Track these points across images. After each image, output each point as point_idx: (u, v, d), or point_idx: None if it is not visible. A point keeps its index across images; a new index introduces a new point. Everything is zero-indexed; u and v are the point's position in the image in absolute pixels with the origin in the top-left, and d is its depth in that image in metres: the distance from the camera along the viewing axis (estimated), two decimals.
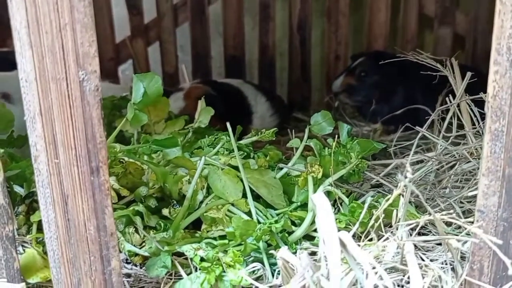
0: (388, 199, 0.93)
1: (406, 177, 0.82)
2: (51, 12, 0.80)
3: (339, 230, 0.86)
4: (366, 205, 1.03)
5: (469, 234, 1.02)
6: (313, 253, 1.17)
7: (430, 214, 1.05)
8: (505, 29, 0.80)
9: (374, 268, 0.86)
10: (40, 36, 0.81)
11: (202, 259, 1.07)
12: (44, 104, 0.84)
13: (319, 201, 0.86)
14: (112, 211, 0.91)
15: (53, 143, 0.86)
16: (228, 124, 1.33)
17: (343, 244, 0.85)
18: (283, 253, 0.90)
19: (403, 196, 0.95)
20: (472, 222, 0.90)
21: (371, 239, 1.02)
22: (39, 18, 0.80)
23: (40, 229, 1.18)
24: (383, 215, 0.98)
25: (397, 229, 1.00)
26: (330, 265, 0.82)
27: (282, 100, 2.68)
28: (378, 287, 0.86)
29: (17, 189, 1.29)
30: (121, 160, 1.32)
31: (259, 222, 1.16)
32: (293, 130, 1.79)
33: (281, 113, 2.44)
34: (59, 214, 0.90)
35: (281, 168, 1.41)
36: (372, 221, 0.99)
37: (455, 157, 1.45)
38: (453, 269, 1.01)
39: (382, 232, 1.05)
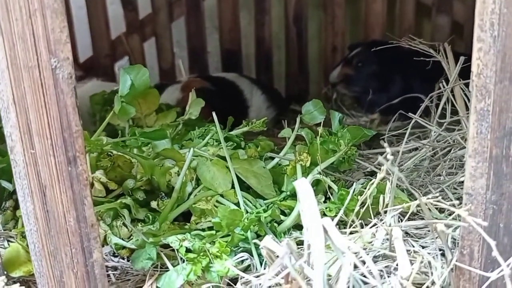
0: (373, 183, 0.91)
1: (387, 160, 0.80)
2: None
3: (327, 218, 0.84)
4: (351, 191, 1.00)
5: (460, 220, 1.00)
6: (302, 243, 1.14)
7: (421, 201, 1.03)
8: (487, 4, 0.77)
9: (357, 254, 0.83)
10: (10, 23, 0.79)
11: (188, 250, 1.05)
12: (17, 93, 0.83)
13: (301, 188, 0.84)
14: (91, 201, 0.90)
15: (28, 133, 0.85)
16: (214, 114, 1.31)
17: (326, 231, 0.82)
18: (266, 242, 0.88)
19: (390, 181, 0.92)
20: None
21: (362, 226, 1.00)
22: (8, 4, 0.79)
23: None
24: (371, 201, 0.95)
25: (385, 214, 0.98)
26: (313, 253, 0.80)
27: (279, 92, 2.65)
28: (364, 274, 0.84)
29: (5, 184, 1.28)
30: (109, 153, 1.31)
31: (247, 212, 1.14)
32: (288, 122, 1.76)
33: (278, 106, 2.42)
34: (37, 206, 0.89)
35: (273, 158, 1.39)
36: (357, 207, 0.97)
37: (449, 143, 1.42)
38: (443, 254, 0.98)
39: (371, 219, 1.03)
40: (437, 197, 0.86)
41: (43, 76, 0.82)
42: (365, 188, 1.12)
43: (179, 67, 2.76)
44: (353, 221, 0.98)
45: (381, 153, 1.60)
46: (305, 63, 2.82)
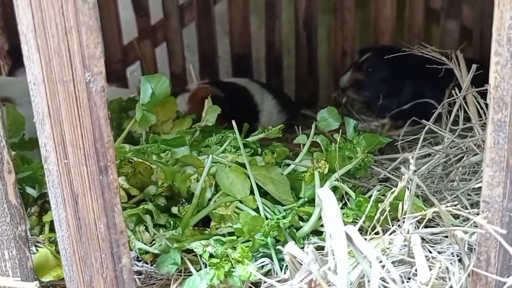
0: (393, 191, 0.94)
1: (409, 169, 0.83)
2: (57, 16, 0.82)
3: (345, 225, 0.87)
4: (372, 199, 1.03)
5: (476, 226, 1.03)
6: (321, 248, 1.17)
7: (436, 206, 1.05)
8: (504, 20, 0.80)
9: (380, 261, 0.86)
10: (47, 40, 0.83)
11: (211, 256, 1.08)
12: (53, 106, 0.86)
13: (324, 196, 0.87)
14: (121, 209, 0.93)
15: (62, 144, 0.88)
16: (233, 122, 1.35)
17: (349, 238, 0.86)
18: (290, 248, 0.92)
19: (408, 189, 0.95)
20: (478, 214, 0.91)
21: (377, 233, 1.03)
22: (45, 21, 0.82)
23: (52, 229, 1.20)
24: (389, 208, 0.98)
25: (403, 222, 1.01)
26: (337, 259, 0.83)
27: (289, 97, 2.68)
28: (385, 279, 0.87)
29: (29, 190, 1.31)
30: (130, 160, 1.34)
31: (266, 218, 1.17)
32: (301, 127, 1.79)
33: (289, 110, 2.45)
34: (69, 213, 0.92)
35: (288, 165, 1.42)
36: (378, 215, 1.00)
37: (462, 150, 1.45)
38: (460, 260, 1.01)
39: (389, 225, 1.06)
40: (456, 205, 0.89)
41: (77, 89, 0.85)
42: (383, 195, 1.15)
43: (190, 72, 2.80)
44: (374, 227, 1.01)
45: (394, 159, 1.63)
46: (315, 67, 2.85)
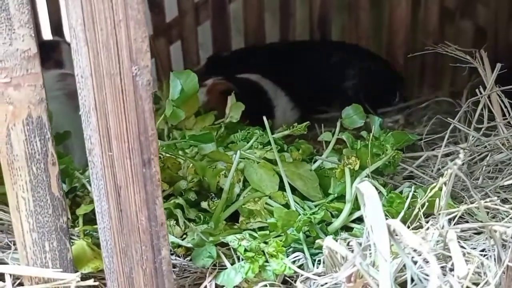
0: (433, 187, 0.95)
1: (455, 164, 0.84)
2: (106, 10, 0.83)
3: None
4: (409, 198, 1.04)
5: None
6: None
7: (470, 202, 1.07)
8: None
9: (420, 254, 0.87)
10: (96, 33, 0.84)
11: (245, 249, 1.09)
12: (99, 99, 0.87)
13: (366, 190, 0.88)
14: (162, 201, 0.94)
15: (107, 136, 0.89)
16: (264, 119, 1.36)
17: (390, 233, 0.87)
18: (329, 242, 0.93)
19: (445, 185, 0.96)
20: None
21: (416, 228, 1.04)
22: (94, 15, 0.83)
23: (85, 221, 1.22)
24: (426, 205, 0.99)
25: (438, 218, 1.02)
26: (380, 254, 0.84)
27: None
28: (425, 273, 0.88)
29: None
30: (159, 155, 1.35)
31: (298, 214, 1.18)
32: (313, 123, 1.80)
33: (302, 107, 2.45)
34: (112, 205, 0.93)
35: (315, 161, 1.43)
36: (416, 210, 1.01)
37: (487, 148, 1.46)
38: (494, 256, 1.02)
39: (422, 221, 1.07)
40: (494, 200, 0.90)
41: (124, 83, 0.86)
42: (415, 192, 1.16)
43: None
44: (409, 225, 1.03)
45: (416, 157, 1.64)
46: None
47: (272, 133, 1.49)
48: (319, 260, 1.13)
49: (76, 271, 1.01)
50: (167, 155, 1.35)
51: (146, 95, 0.88)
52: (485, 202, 0.91)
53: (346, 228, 1.24)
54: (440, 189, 0.95)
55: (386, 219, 0.88)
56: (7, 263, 1.05)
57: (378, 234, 0.85)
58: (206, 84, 2.21)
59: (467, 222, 1.23)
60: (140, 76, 0.86)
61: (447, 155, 1.59)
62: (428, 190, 0.97)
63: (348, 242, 1.16)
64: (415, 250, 0.88)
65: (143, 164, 0.91)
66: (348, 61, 2.52)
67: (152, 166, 0.91)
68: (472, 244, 1.14)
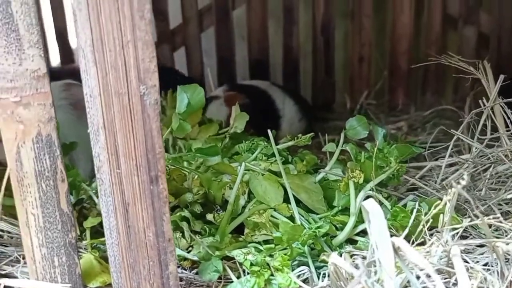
0: (437, 205, 0.96)
1: (458, 183, 0.85)
2: (114, 31, 0.84)
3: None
4: (413, 214, 1.05)
5: None
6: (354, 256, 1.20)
7: (473, 217, 1.08)
8: None
9: (422, 269, 0.88)
10: (104, 54, 0.85)
11: (251, 264, 1.11)
12: (107, 117, 0.89)
13: (371, 208, 0.89)
14: (169, 218, 0.95)
15: (115, 154, 0.91)
16: (269, 132, 1.37)
17: (395, 249, 0.88)
18: (334, 258, 0.94)
19: (449, 201, 0.97)
20: None
21: (421, 244, 1.05)
22: (103, 36, 0.85)
23: (92, 233, 1.23)
24: (431, 220, 1.00)
25: (442, 233, 1.03)
26: (385, 272, 0.85)
27: (308, 102, 2.70)
28: None
29: None
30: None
31: (303, 227, 1.19)
32: (316, 132, 1.80)
33: (309, 117, 2.46)
34: (120, 222, 0.95)
35: (318, 171, 1.44)
36: (420, 227, 1.02)
37: (490, 160, 1.47)
38: (497, 271, 1.03)
39: (426, 236, 1.08)
40: (498, 217, 0.91)
41: (132, 102, 0.88)
42: (418, 205, 1.17)
43: (208, 77, 2.83)
44: (414, 240, 1.04)
45: (420, 167, 1.65)
46: (331, 72, 2.87)
47: (277, 144, 1.50)
48: (324, 274, 1.14)
49: (85, 286, 1.02)
50: (173, 167, 1.36)
51: (153, 114, 0.89)
52: (488, 219, 0.92)
53: (350, 241, 1.25)
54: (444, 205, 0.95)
55: (391, 234, 0.89)
56: (16, 277, 1.07)
57: (383, 252, 0.86)
58: (218, 95, 2.21)
59: (470, 234, 1.24)
60: (148, 96, 0.88)
61: (450, 165, 1.61)
62: (432, 208, 0.98)
63: (352, 255, 1.17)
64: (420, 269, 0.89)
65: (151, 181, 0.92)
66: None
67: (159, 183, 0.93)
68: (475, 258, 1.15)
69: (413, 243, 1.12)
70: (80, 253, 1.16)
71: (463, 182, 0.83)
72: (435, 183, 1.49)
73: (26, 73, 0.88)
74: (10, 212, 1.24)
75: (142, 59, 0.86)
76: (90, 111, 0.89)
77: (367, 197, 1.27)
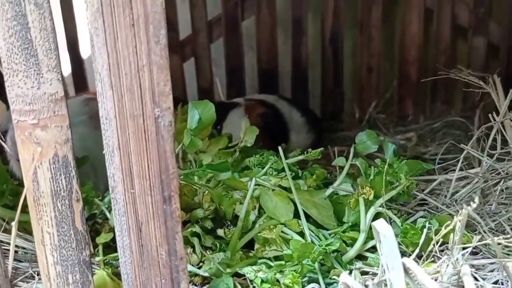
0: (448, 225, 0.97)
1: (470, 206, 0.85)
2: (130, 55, 0.86)
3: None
4: (424, 232, 1.06)
5: None
6: (365, 273, 1.20)
7: (484, 234, 1.08)
8: None
9: None
10: (120, 77, 0.87)
11: (261, 281, 1.12)
12: (122, 139, 0.91)
13: (382, 229, 0.90)
14: (181, 236, 0.97)
15: (129, 175, 0.92)
16: (280, 148, 1.38)
17: (405, 270, 0.88)
18: (345, 277, 0.95)
19: (459, 221, 0.98)
20: None
21: (432, 261, 1.06)
22: (119, 61, 0.86)
23: (104, 247, 1.25)
24: (441, 240, 1.01)
25: (452, 251, 1.03)
26: None
27: (315, 114, 2.70)
28: None
29: None
30: None
31: (313, 243, 1.20)
32: (325, 145, 1.82)
33: (317, 129, 2.47)
34: (133, 240, 0.96)
35: (328, 187, 1.45)
36: (431, 246, 1.03)
37: (501, 174, 1.47)
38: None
39: (437, 254, 1.09)
40: (508, 237, 0.92)
41: (146, 124, 0.89)
42: (429, 223, 1.17)
43: (217, 86, 2.85)
44: (425, 258, 1.04)
45: (429, 180, 1.65)
46: (340, 83, 2.88)
47: (286, 157, 1.51)
48: None
49: None
50: (184, 182, 1.37)
51: (167, 135, 0.91)
52: (498, 239, 0.93)
53: (360, 257, 1.26)
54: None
55: (401, 250, 0.89)
56: None
57: (394, 273, 0.86)
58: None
59: (480, 251, 1.24)
60: (162, 118, 0.89)
61: (460, 179, 1.61)
62: (443, 228, 0.98)
63: (363, 273, 1.18)
64: None
65: (164, 201, 0.94)
66: None
67: (172, 203, 0.94)
68: (485, 275, 1.15)
69: (423, 260, 1.13)
70: (93, 269, 1.18)
71: (474, 205, 0.84)
72: (445, 197, 1.50)
73: (44, 97, 0.90)
74: (25, 227, 1.26)
75: (157, 82, 0.88)
76: (106, 132, 0.91)
77: (377, 213, 1.27)
